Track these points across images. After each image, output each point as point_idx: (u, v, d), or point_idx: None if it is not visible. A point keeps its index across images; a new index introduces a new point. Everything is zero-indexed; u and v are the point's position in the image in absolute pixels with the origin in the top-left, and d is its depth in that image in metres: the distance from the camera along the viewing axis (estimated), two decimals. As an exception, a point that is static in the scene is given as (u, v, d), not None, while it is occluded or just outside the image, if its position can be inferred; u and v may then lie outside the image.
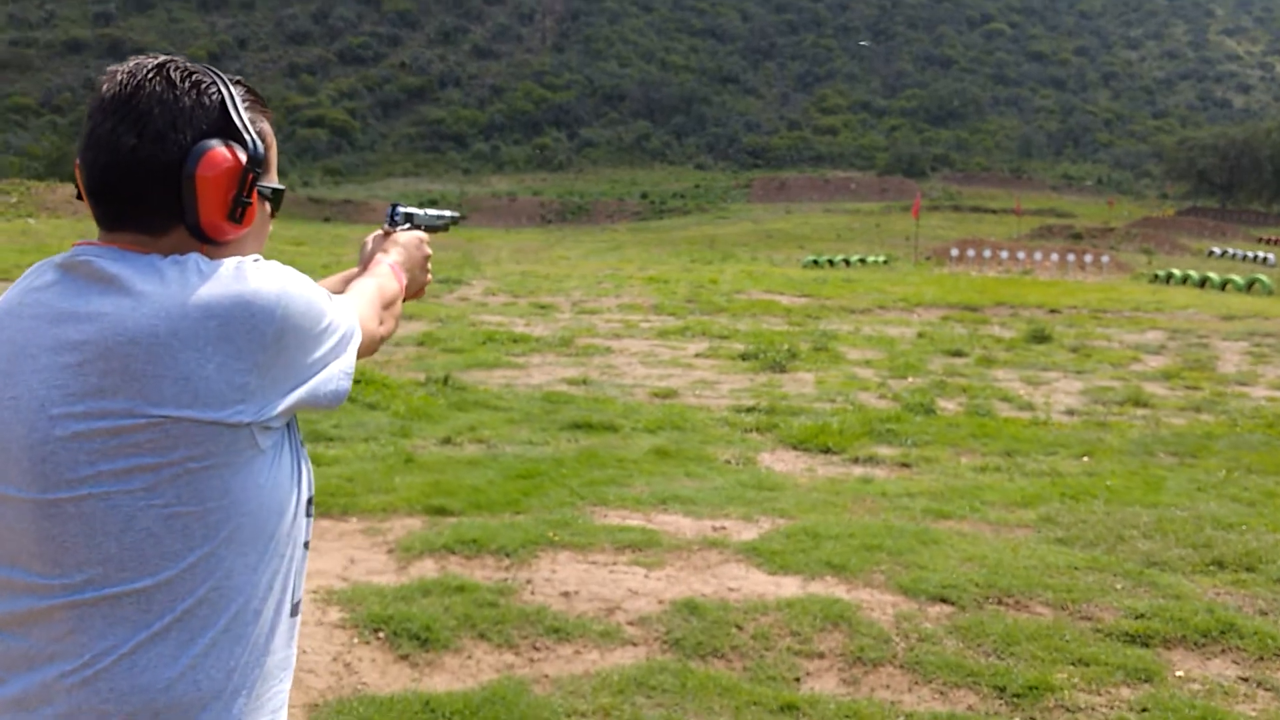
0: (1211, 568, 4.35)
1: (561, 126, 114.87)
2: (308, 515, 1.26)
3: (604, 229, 60.27)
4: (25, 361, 1.11)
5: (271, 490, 1.16)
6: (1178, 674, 3.40)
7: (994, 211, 67.50)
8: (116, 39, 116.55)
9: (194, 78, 1.18)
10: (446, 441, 6.63)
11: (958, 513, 5.30)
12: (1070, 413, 8.61)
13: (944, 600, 3.99)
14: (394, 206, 1.70)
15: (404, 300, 1.58)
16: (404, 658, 3.50)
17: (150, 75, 1.16)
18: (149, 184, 1.14)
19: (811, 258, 35.14)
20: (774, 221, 61.46)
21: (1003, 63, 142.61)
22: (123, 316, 1.08)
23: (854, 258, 35.52)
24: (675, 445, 6.75)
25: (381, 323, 1.44)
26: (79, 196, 1.22)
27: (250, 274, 1.13)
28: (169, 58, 1.19)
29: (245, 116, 1.20)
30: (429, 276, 1.69)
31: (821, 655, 3.58)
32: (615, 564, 4.40)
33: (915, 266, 33.59)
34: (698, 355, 11.34)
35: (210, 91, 1.18)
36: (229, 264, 1.14)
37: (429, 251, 1.67)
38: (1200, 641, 3.62)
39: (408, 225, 1.70)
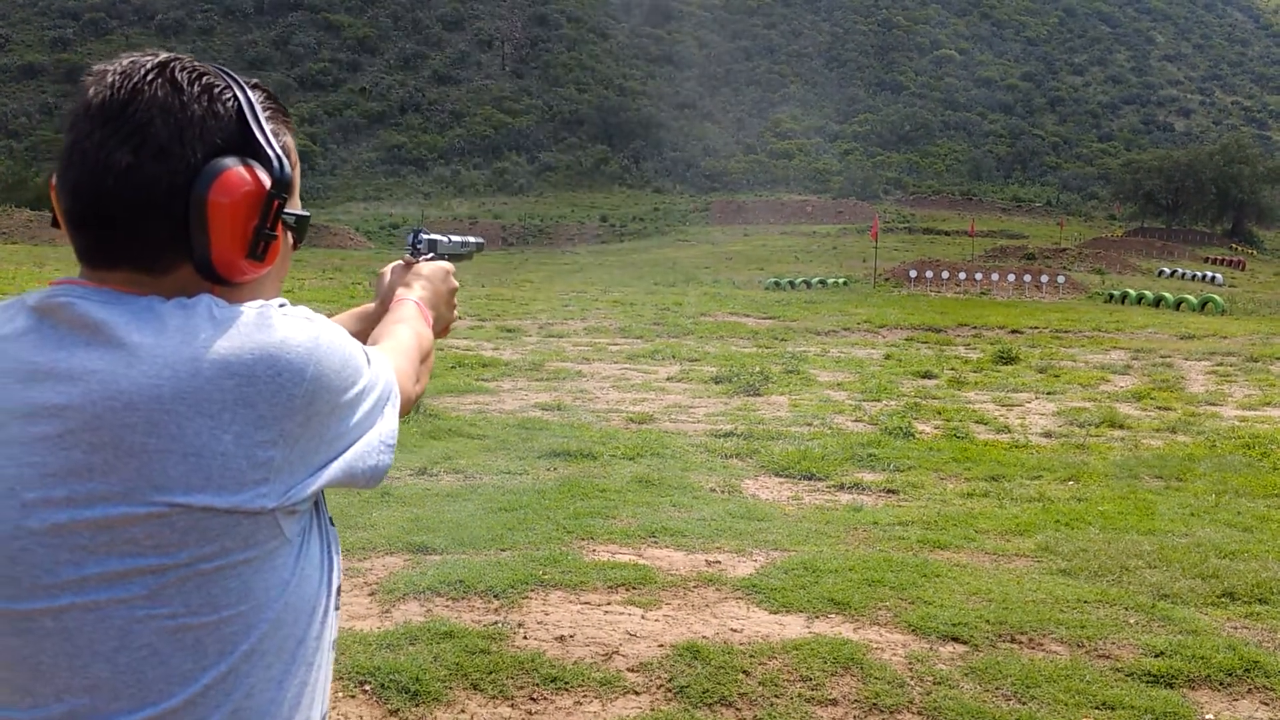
0: (1223, 600, 4.24)
1: (521, 151, 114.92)
2: (335, 608, 1.03)
3: (565, 252, 60.12)
4: None
5: (299, 587, 0.93)
6: (1207, 717, 3.27)
7: (947, 233, 68.47)
8: (74, 64, 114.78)
9: (204, 80, 0.95)
10: (422, 472, 6.39)
11: (954, 543, 5.16)
12: (1048, 435, 8.57)
13: (955, 639, 3.84)
14: (416, 233, 1.48)
15: None
16: (394, 713, 3.27)
17: (150, 77, 0.92)
18: (148, 212, 0.90)
19: (773, 279, 35.28)
20: (733, 244, 61.77)
21: (952, 88, 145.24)
22: (116, 375, 0.85)
23: (814, 279, 35.70)
24: (657, 473, 6.57)
25: (418, 380, 1.20)
26: (55, 224, 0.98)
27: (277, 322, 0.91)
28: (172, 55, 0.96)
29: (267, 128, 0.97)
30: (455, 313, 1.47)
31: (835, 702, 3.40)
32: (609, 604, 4.19)
33: (875, 288, 33.83)
34: (669, 379, 11.18)
35: (224, 97, 0.95)
36: (249, 309, 0.91)
37: (456, 284, 1.45)
38: (1225, 681, 3.49)
39: (430, 255, 1.49)
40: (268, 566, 0.90)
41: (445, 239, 1.55)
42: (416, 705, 3.30)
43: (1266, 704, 3.37)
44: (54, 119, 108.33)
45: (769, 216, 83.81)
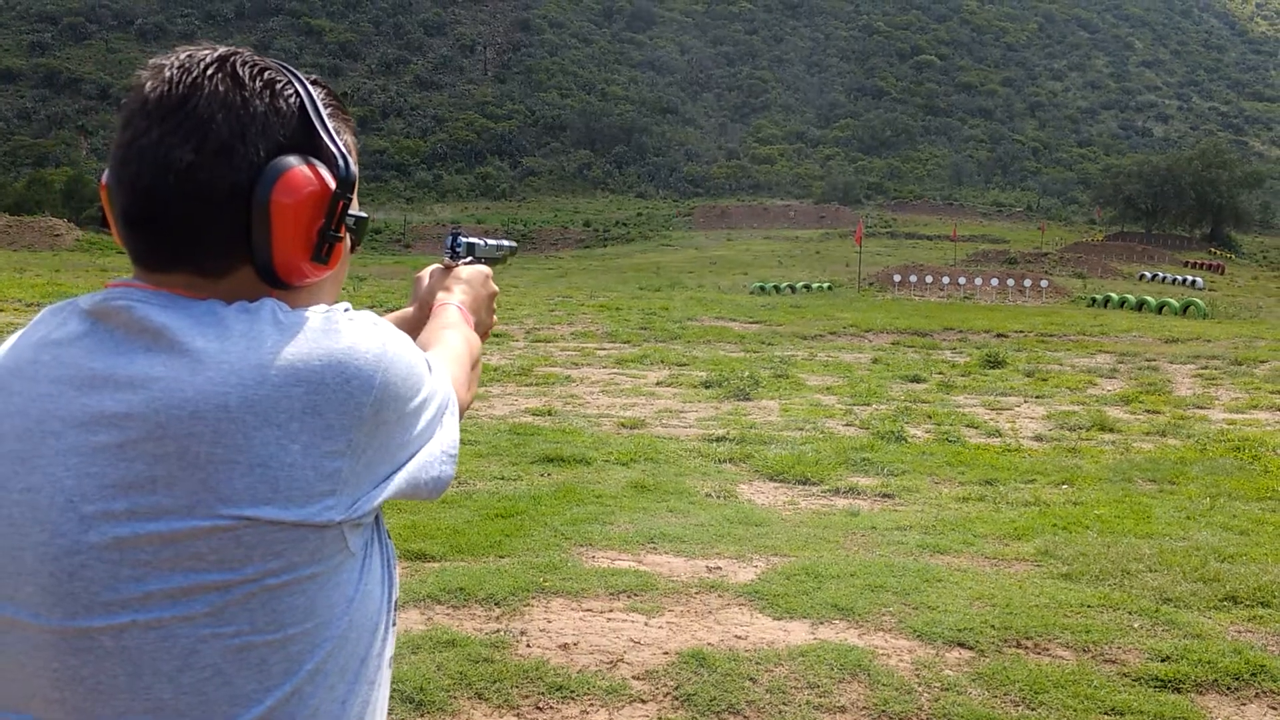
0: (1226, 603, 4.24)
1: (504, 156, 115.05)
2: (393, 624, 1.00)
3: (549, 257, 60.02)
4: (44, 441, 0.83)
5: (363, 603, 0.90)
6: (1217, 720, 3.27)
7: (929, 238, 68.81)
8: (53, 69, 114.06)
9: (266, 75, 0.91)
10: (415, 480, 6.33)
11: (953, 547, 5.15)
12: (1039, 439, 8.58)
13: (961, 645, 3.82)
14: (454, 235, 1.45)
15: None
16: (397, 724, 3.21)
17: (210, 71, 0.88)
18: (208, 212, 0.86)
19: (758, 284, 35.31)
20: (716, 249, 61.86)
21: (933, 93, 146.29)
22: (179, 382, 0.81)
23: (799, 284, 35.76)
24: (652, 479, 6.53)
25: (470, 386, 1.16)
26: (104, 223, 0.94)
27: (344, 328, 0.87)
28: (232, 49, 0.92)
29: (330, 125, 0.94)
30: (494, 318, 1.43)
31: (843, 709, 3.37)
32: (612, 611, 4.15)
33: (860, 292, 33.93)
34: (659, 383, 11.15)
35: (287, 93, 0.91)
36: (315, 314, 0.88)
37: (495, 289, 1.41)
38: (1232, 685, 3.49)
39: (469, 258, 1.46)
40: (333, 582, 0.86)
41: (483, 242, 1.52)
42: (421, 715, 3.26)
43: (1275, 708, 3.37)
44: (32, 124, 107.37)
45: (752, 221, 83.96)
